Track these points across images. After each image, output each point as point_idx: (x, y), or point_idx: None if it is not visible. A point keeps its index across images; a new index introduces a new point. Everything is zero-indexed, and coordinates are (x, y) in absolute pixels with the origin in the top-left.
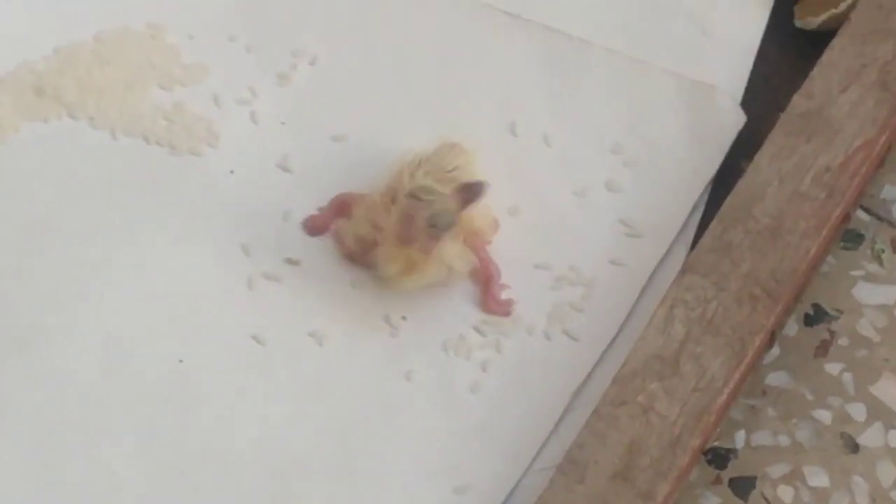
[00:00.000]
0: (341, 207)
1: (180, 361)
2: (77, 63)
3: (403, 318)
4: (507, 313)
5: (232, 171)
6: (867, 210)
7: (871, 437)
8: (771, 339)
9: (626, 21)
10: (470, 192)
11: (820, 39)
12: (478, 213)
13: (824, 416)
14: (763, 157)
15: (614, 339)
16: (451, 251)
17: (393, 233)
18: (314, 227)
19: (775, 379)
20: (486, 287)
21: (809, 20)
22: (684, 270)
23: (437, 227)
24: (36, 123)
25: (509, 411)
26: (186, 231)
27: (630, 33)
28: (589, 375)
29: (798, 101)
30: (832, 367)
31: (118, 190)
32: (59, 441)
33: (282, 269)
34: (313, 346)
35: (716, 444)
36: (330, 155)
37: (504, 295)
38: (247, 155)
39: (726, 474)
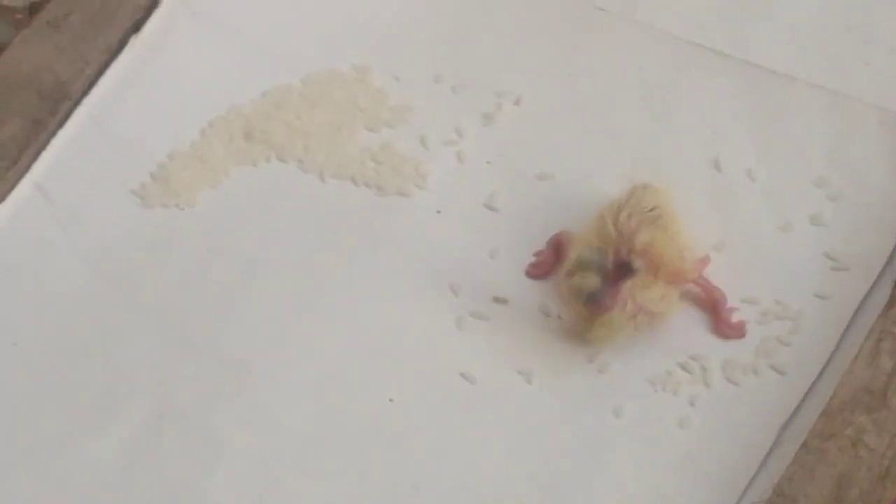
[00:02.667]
0: (559, 247)
1: (391, 400)
2: (285, 106)
3: (611, 354)
4: (741, 335)
5: (439, 211)
6: None
7: None
8: None
9: (828, 55)
10: (623, 270)
11: None
12: (679, 252)
13: None
14: None
15: (822, 372)
16: (652, 296)
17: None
18: (539, 272)
19: None
20: (716, 312)
21: None
22: (891, 303)
23: (595, 304)
24: (245, 167)
25: (718, 445)
26: (395, 271)
27: (832, 67)
28: (797, 409)
29: None
30: None
31: (327, 232)
32: (274, 481)
33: (489, 308)
34: (522, 383)
35: None
36: (535, 193)
37: (734, 317)
38: (454, 194)
39: None
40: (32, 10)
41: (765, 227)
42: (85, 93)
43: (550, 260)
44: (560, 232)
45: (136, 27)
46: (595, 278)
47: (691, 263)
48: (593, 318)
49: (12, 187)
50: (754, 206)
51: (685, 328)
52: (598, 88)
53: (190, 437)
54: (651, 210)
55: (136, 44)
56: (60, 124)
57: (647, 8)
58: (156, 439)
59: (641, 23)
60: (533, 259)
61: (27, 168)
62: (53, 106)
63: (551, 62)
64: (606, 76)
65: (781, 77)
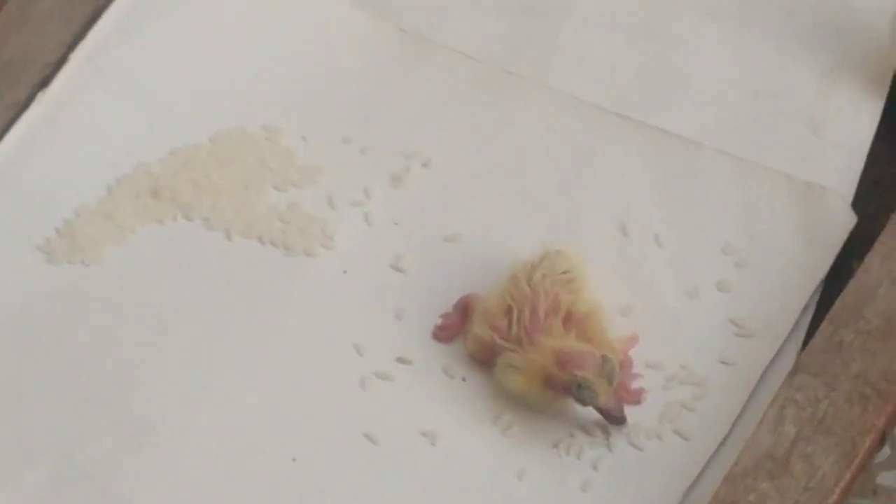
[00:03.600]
0: (466, 309)
1: (294, 460)
2: (193, 164)
3: (514, 416)
4: (637, 401)
5: (345, 272)
6: None
7: None
8: (881, 439)
9: (737, 122)
10: (612, 417)
11: None
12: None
13: None
14: (874, 258)
15: (725, 438)
16: None
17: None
18: (446, 335)
19: (886, 478)
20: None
21: None
22: (795, 370)
23: (581, 399)
24: (152, 224)
25: None
26: (301, 330)
27: (741, 134)
28: (700, 475)
29: None
30: None
31: (233, 290)
32: None
33: (394, 369)
34: (426, 445)
35: None
36: (443, 255)
37: (635, 384)
38: (360, 255)
39: None
40: None
41: (671, 292)
42: None
43: (457, 322)
44: (467, 295)
45: (44, 83)
46: (602, 390)
47: (621, 343)
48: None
49: None
50: (661, 272)
51: None
52: (507, 152)
53: (92, 496)
54: (564, 272)
55: (44, 100)
56: None
57: (557, 73)
58: (57, 498)
59: (552, 88)
60: (439, 321)
61: None
62: None
63: (461, 125)
64: (516, 140)
65: (690, 143)
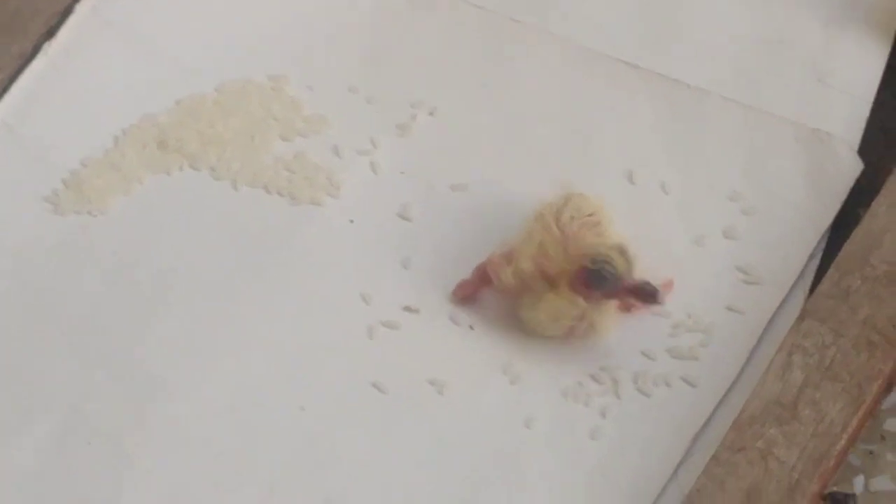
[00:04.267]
0: (485, 276)
1: (302, 409)
2: (199, 115)
3: (522, 365)
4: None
5: (352, 221)
6: None
7: None
8: (889, 385)
9: (743, 70)
10: (644, 293)
11: None
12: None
13: None
14: (880, 205)
15: (732, 385)
16: (603, 312)
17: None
18: (464, 296)
19: (894, 424)
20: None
21: None
22: (802, 317)
23: (602, 278)
24: (159, 175)
25: (628, 457)
26: (307, 279)
27: (747, 82)
28: (707, 421)
29: None
30: None
31: (240, 240)
32: (185, 494)
33: (401, 317)
34: (433, 394)
35: (834, 489)
36: (449, 204)
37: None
38: (367, 204)
39: None
40: None
41: (678, 239)
42: None
43: (476, 284)
44: (487, 260)
45: (50, 34)
46: (621, 265)
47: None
48: (550, 297)
49: None
50: (667, 219)
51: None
52: (513, 101)
53: (101, 450)
54: (590, 215)
55: (50, 51)
56: None
57: (562, 21)
58: (66, 451)
59: (558, 36)
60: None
61: None
62: None
63: (466, 73)
64: (521, 88)
65: (696, 91)
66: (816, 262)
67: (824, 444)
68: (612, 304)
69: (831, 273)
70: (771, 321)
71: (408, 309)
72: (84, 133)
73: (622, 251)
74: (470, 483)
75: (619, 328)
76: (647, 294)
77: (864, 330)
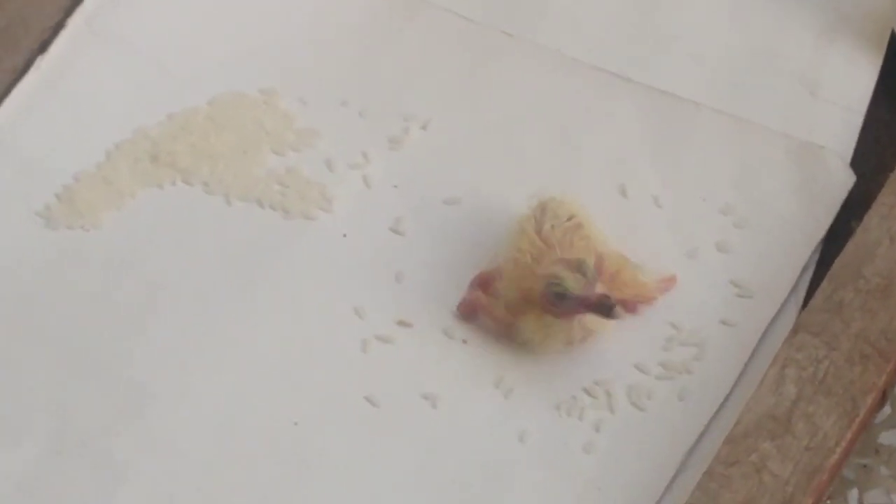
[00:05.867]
0: (483, 285)
1: (295, 424)
2: (191, 129)
3: (516, 378)
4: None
5: (345, 235)
6: None
7: None
8: (883, 398)
9: (735, 82)
10: (598, 307)
11: None
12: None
13: None
14: (873, 217)
15: (726, 399)
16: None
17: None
18: (470, 311)
19: (888, 438)
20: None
21: None
22: (795, 330)
23: (556, 298)
24: (151, 189)
25: (622, 471)
26: (300, 293)
27: (738, 94)
28: (701, 435)
29: None
30: None
31: (233, 254)
32: None
33: (395, 331)
34: (427, 408)
35: (828, 503)
36: (442, 217)
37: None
38: (360, 218)
39: None
40: None
41: (670, 253)
42: None
43: (477, 297)
44: (481, 272)
45: (43, 48)
46: (572, 284)
47: (658, 284)
48: (538, 316)
49: None
50: (660, 233)
51: (590, 353)
52: (504, 113)
53: (90, 462)
54: (569, 219)
55: (42, 65)
56: None
57: (553, 34)
58: (55, 464)
59: (548, 48)
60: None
61: None
62: None
63: (458, 87)
64: (514, 102)
65: (687, 103)
66: (809, 274)
67: (818, 457)
68: None
69: (824, 286)
70: (764, 334)
71: (401, 323)
72: (76, 147)
73: (580, 266)
74: (463, 497)
75: (612, 341)
76: (604, 308)
77: (858, 343)
